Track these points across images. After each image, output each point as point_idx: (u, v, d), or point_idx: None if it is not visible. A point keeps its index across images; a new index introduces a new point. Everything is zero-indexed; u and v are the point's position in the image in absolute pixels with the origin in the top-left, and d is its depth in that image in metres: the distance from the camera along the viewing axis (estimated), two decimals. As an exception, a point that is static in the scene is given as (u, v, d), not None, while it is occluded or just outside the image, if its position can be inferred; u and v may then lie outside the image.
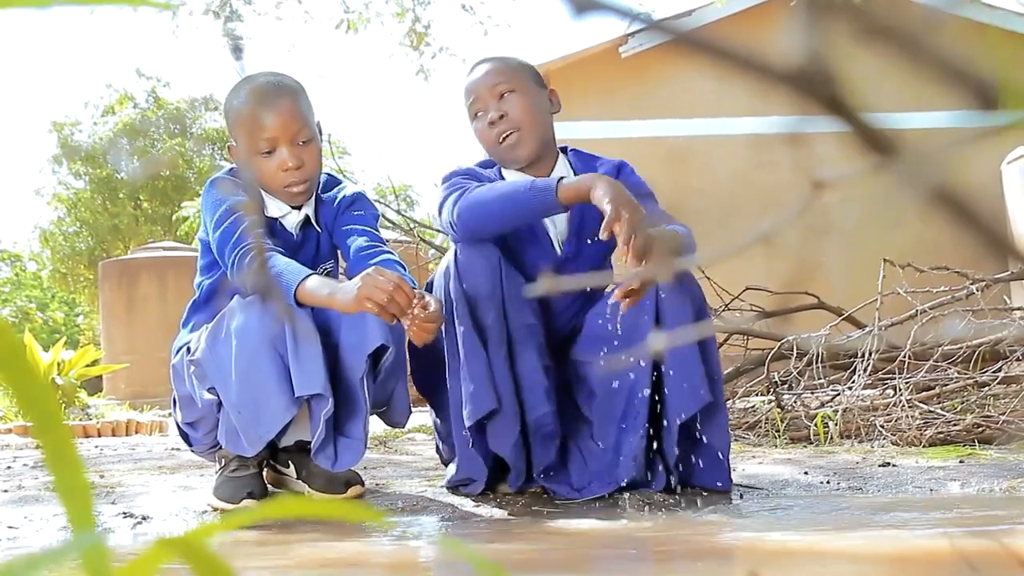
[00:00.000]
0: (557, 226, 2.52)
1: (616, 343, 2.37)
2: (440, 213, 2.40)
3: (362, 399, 2.27)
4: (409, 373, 2.50)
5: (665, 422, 2.33)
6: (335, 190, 2.53)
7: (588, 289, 2.53)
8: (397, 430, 4.00)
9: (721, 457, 2.39)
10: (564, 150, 2.61)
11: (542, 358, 2.35)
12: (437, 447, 2.66)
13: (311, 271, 2.22)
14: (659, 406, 2.34)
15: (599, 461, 2.36)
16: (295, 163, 2.35)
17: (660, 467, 2.35)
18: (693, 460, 2.41)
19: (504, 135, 2.44)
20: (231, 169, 2.57)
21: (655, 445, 2.37)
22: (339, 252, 2.52)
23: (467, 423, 2.31)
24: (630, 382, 2.33)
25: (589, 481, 2.35)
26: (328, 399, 2.21)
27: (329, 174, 2.58)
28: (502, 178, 2.51)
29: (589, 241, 2.51)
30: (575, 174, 2.53)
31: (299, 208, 2.46)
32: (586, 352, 2.44)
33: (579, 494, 2.34)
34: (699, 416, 2.35)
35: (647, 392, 2.30)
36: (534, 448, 2.34)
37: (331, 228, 2.50)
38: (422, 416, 3.62)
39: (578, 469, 2.38)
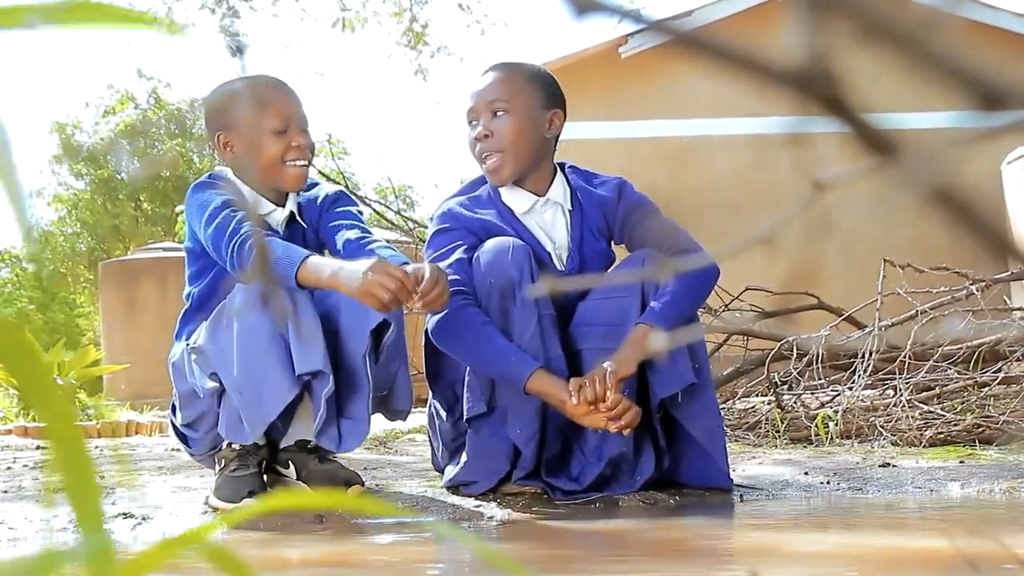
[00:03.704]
0: (556, 241, 2.52)
1: (606, 328, 2.38)
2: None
3: (364, 378, 2.29)
4: (424, 372, 2.52)
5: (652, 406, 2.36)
6: (315, 190, 2.61)
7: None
8: (397, 430, 4.01)
9: (720, 457, 2.39)
10: (562, 166, 2.60)
11: (562, 347, 2.36)
12: (433, 452, 2.64)
13: (311, 252, 2.24)
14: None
15: (593, 446, 2.36)
16: (307, 142, 2.46)
17: (650, 450, 2.36)
18: (693, 460, 2.41)
19: (486, 155, 2.45)
20: (211, 175, 2.57)
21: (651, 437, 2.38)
22: (325, 248, 2.54)
23: (466, 416, 2.35)
24: None
25: (584, 467, 2.35)
26: (329, 376, 2.23)
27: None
28: (498, 196, 2.52)
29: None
30: (572, 192, 2.54)
31: (283, 206, 2.50)
32: (576, 339, 2.43)
33: (577, 483, 2.35)
34: (689, 412, 2.36)
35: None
36: (548, 435, 2.35)
37: (316, 225, 2.55)
38: (422, 417, 3.62)
39: (576, 461, 2.39)
